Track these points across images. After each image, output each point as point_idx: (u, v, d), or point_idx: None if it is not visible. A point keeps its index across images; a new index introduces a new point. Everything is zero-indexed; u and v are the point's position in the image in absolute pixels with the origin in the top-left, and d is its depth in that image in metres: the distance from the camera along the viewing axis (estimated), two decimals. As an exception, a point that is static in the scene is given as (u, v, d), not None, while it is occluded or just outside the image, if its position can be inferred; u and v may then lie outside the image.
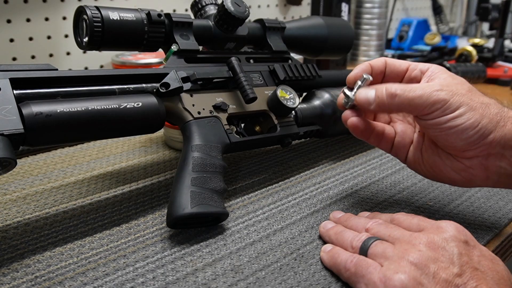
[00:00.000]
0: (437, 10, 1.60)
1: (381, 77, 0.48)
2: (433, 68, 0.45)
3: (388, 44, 1.46)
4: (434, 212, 0.50)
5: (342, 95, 0.47)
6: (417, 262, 0.34)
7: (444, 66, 0.90)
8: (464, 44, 1.28)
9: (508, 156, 0.42)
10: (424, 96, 0.41)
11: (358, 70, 0.47)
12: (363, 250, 0.38)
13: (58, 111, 0.40)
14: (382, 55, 1.34)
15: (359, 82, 0.45)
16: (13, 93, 0.39)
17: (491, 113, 0.41)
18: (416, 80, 0.46)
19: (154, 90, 0.48)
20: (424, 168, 0.47)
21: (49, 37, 0.84)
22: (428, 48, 1.35)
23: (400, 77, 0.47)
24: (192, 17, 0.56)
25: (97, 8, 0.47)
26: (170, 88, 0.48)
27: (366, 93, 0.44)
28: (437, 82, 0.43)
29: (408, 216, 0.40)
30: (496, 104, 0.43)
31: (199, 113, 0.50)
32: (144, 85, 0.48)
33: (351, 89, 0.46)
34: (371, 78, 0.45)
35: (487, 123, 0.41)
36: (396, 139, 0.49)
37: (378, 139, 0.48)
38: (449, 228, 0.36)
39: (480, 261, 0.35)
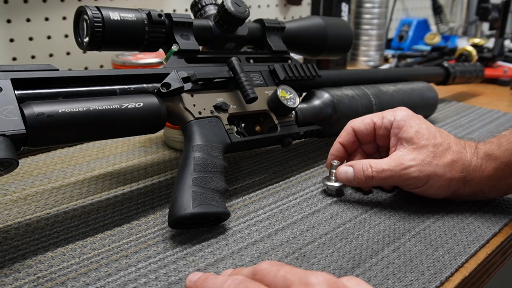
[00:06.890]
0: (437, 10, 1.60)
1: (357, 144, 0.55)
2: (396, 123, 0.51)
3: (388, 44, 1.46)
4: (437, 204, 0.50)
5: (324, 184, 0.53)
6: None
7: (443, 65, 0.91)
8: (464, 44, 1.28)
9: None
10: (395, 176, 0.49)
11: (329, 157, 0.55)
12: None
13: (60, 111, 0.40)
14: (382, 55, 1.34)
15: (333, 170, 0.53)
16: (15, 94, 0.39)
17: (456, 172, 0.48)
18: (386, 138, 0.53)
19: (155, 90, 0.48)
20: None
21: (49, 37, 0.84)
22: (428, 48, 1.35)
23: (372, 137, 0.55)
24: (192, 17, 0.56)
25: (98, 8, 0.47)
26: (171, 88, 0.48)
27: (346, 171, 0.51)
28: (405, 153, 0.49)
29: (274, 267, 0.32)
30: (459, 155, 0.48)
31: (200, 113, 0.50)
32: (145, 85, 0.48)
33: (329, 178, 0.53)
34: (339, 163, 0.53)
35: (455, 184, 0.49)
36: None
37: None
38: (320, 285, 0.29)
39: None
